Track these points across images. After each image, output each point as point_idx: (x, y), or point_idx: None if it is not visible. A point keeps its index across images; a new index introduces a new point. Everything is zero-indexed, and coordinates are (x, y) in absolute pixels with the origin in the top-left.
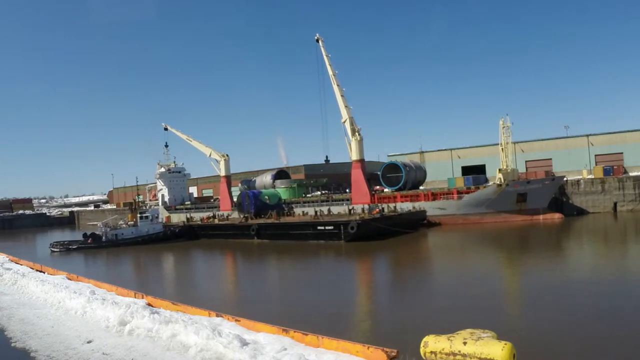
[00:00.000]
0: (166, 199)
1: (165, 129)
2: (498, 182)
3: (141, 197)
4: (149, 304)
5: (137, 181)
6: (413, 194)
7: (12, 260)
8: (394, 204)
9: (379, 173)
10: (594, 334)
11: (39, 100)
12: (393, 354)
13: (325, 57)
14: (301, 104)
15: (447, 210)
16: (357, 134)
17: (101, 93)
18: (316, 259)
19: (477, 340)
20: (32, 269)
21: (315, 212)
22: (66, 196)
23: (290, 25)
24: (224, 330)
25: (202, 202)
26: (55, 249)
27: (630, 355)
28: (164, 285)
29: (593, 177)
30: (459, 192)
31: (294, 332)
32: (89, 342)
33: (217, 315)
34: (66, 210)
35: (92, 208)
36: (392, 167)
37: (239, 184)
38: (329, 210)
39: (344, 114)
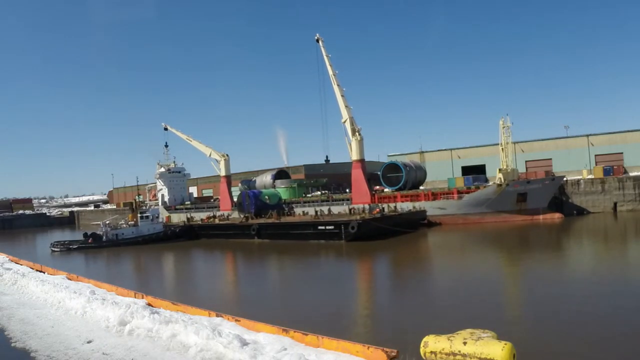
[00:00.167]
0: (166, 199)
1: (165, 129)
2: (498, 182)
3: (141, 197)
4: (149, 304)
5: (138, 181)
6: (413, 193)
7: (12, 260)
8: (394, 204)
9: (379, 173)
10: (594, 333)
11: (38, 100)
12: (393, 354)
13: (325, 57)
14: (301, 104)
15: (447, 210)
16: (357, 134)
17: (101, 93)
18: (317, 259)
19: (477, 340)
20: (32, 269)
21: (316, 212)
22: (66, 196)
23: (290, 25)
24: (224, 330)
25: (202, 202)
26: (55, 249)
27: (630, 355)
28: (164, 285)
29: (593, 177)
30: (459, 192)
31: (294, 332)
32: (89, 342)
33: (217, 315)
34: (66, 210)
35: (92, 208)
36: (392, 167)
37: (239, 184)
38: (329, 210)
39: (344, 114)
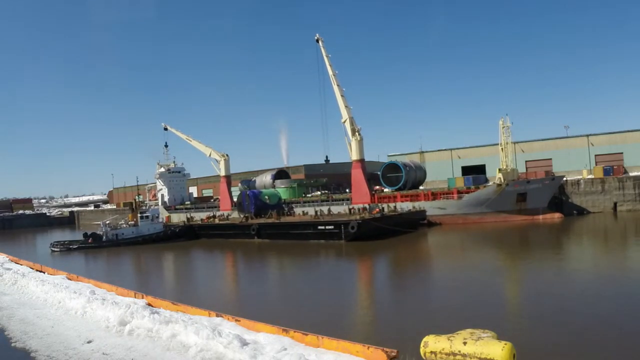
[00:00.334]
0: (166, 198)
1: (165, 129)
2: (498, 182)
3: (141, 197)
4: (149, 304)
5: (138, 181)
6: (413, 193)
7: (12, 260)
8: (394, 204)
9: (379, 173)
10: (594, 333)
11: (39, 100)
12: (393, 354)
13: (325, 57)
14: (301, 104)
15: (447, 210)
16: (357, 134)
17: (101, 93)
18: (316, 259)
19: (477, 340)
20: (32, 269)
21: (316, 211)
22: (66, 196)
23: (290, 25)
24: (224, 330)
25: (202, 202)
26: (55, 249)
27: (630, 355)
28: (164, 285)
29: (593, 177)
30: (459, 192)
31: (294, 332)
32: (89, 342)
33: (217, 315)
34: (66, 210)
35: (92, 208)
36: (392, 167)
37: (239, 184)
38: (329, 210)
39: (344, 114)
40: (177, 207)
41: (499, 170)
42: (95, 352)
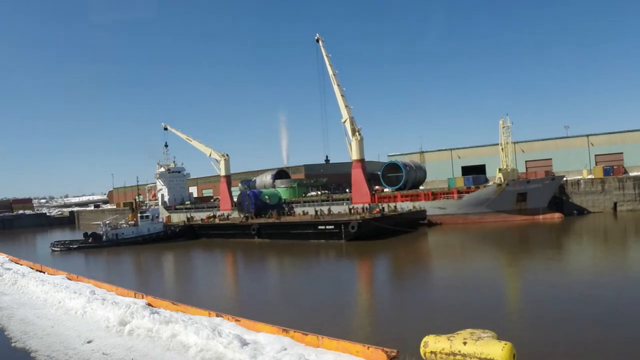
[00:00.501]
0: (166, 198)
1: (165, 129)
2: (498, 182)
3: (141, 197)
4: (149, 304)
5: (138, 181)
6: (413, 193)
7: (12, 260)
8: (394, 204)
9: (379, 173)
10: (594, 333)
11: (39, 100)
12: (393, 354)
13: (325, 57)
14: (301, 104)
15: (447, 210)
16: (357, 133)
17: (101, 93)
18: (317, 259)
19: (477, 340)
20: (32, 269)
21: (316, 211)
22: (66, 196)
23: (291, 25)
24: (224, 330)
25: (202, 202)
26: (56, 249)
27: (630, 355)
28: (164, 285)
29: (593, 177)
30: (459, 192)
31: (294, 332)
32: (89, 342)
33: (217, 315)
34: (66, 210)
35: (92, 208)
36: (393, 167)
37: (239, 184)
38: (329, 210)
39: (344, 114)
40: (177, 207)
41: (499, 170)
42: (95, 352)
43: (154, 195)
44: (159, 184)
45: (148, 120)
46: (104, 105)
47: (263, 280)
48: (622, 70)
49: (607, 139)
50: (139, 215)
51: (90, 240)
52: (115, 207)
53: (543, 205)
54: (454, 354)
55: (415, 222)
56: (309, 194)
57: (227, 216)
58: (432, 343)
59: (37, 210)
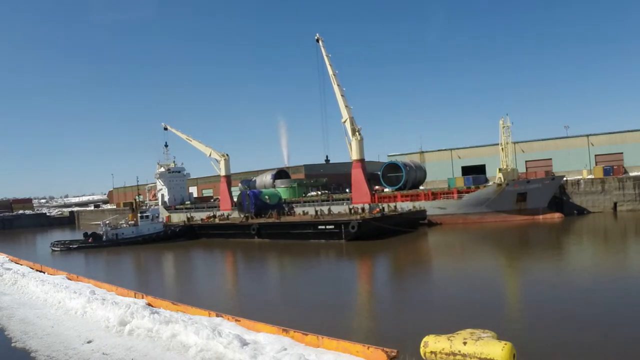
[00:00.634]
0: (166, 198)
1: (165, 129)
2: (498, 182)
3: (141, 197)
4: (149, 304)
5: (138, 181)
6: (413, 193)
7: (12, 260)
8: (394, 204)
9: (379, 173)
10: (594, 333)
11: (39, 100)
12: (393, 354)
13: (325, 57)
14: (301, 104)
15: (447, 210)
16: (357, 133)
17: (101, 92)
18: (317, 259)
19: (477, 340)
20: (32, 269)
21: (316, 211)
22: (66, 196)
23: (291, 25)
24: (224, 330)
25: (202, 202)
26: (56, 248)
27: (630, 355)
28: (164, 285)
29: (593, 177)
30: (459, 192)
31: (294, 332)
32: (89, 342)
33: (217, 315)
34: (66, 210)
35: (92, 208)
36: (393, 167)
37: (239, 184)
38: (329, 210)
39: (344, 114)
40: (177, 207)
41: (499, 170)
42: (95, 352)
43: (154, 195)
44: (159, 184)
45: (148, 120)
46: (104, 105)
47: (263, 280)
48: (622, 70)
49: (607, 139)
50: (139, 215)
51: (90, 240)
52: (115, 207)
53: (543, 205)
54: (454, 354)
55: (415, 222)
56: (309, 194)
57: (227, 216)
58: (432, 343)
59: (37, 210)
